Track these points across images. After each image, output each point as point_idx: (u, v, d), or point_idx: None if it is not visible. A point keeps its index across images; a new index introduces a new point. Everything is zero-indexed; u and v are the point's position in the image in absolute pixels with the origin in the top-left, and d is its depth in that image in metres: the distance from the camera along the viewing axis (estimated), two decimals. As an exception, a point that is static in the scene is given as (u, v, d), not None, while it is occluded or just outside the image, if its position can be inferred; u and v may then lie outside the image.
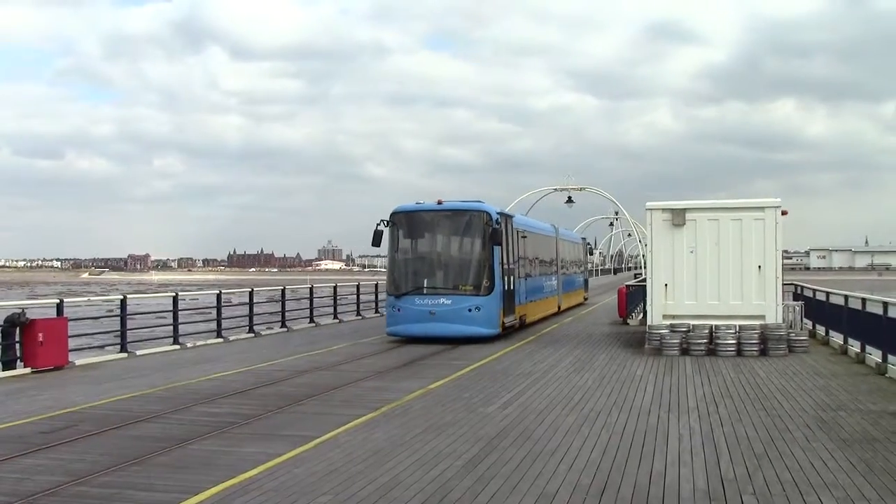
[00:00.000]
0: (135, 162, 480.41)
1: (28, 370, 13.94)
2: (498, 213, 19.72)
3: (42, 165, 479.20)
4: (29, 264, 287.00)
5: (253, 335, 20.97)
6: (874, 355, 13.80)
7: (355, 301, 28.15)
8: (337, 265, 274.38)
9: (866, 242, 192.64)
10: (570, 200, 62.46)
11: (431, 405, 10.66)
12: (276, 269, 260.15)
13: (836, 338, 17.05)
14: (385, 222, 19.34)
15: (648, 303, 17.26)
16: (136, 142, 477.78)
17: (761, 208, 16.58)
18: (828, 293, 18.99)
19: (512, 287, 20.45)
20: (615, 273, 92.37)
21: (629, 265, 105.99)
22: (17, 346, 14.16)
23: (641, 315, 22.21)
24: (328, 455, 7.94)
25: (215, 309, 20.49)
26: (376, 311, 28.13)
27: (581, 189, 64.13)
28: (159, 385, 12.55)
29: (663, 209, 17.02)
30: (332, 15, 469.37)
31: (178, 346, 18.04)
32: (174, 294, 19.38)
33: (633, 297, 24.46)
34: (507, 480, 7.00)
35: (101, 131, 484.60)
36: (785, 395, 11.18)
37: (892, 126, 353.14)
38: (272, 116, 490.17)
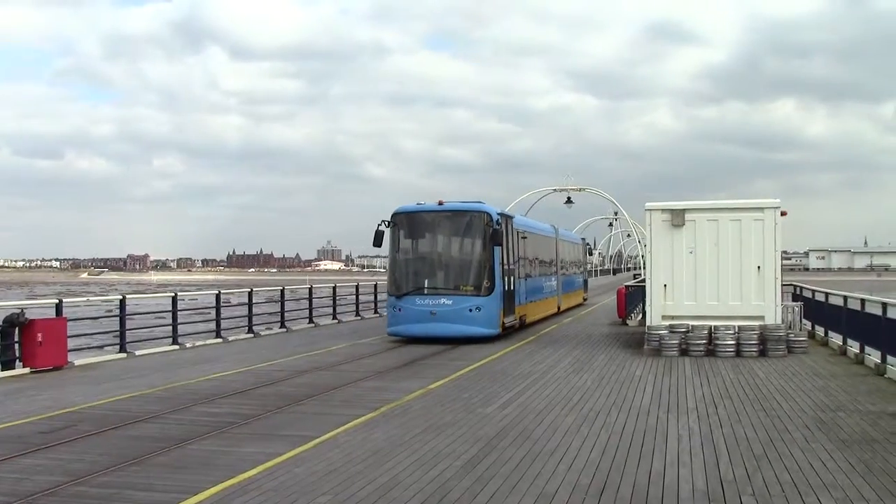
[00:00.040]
0: (134, 162, 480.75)
1: (27, 370, 13.93)
2: (498, 214, 19.81)
3: (41, 165, 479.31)
4: (28, 264, 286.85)
5: (252, 335, 20.97)
6: (873, 356, 13.81)
7: (354, 301, 28.15)
8: (336, 265, 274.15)
9: (865, 243, 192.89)
10: (569, 201, 62.49)
11: (431, 405, 10.66)
12: (275, 270, 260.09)
13: (836, 338, 17.07)
14: (386, 223, 19.42)
15: (647, 303, 17.27)
16: (135, 142, 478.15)
17: (760, 209, 16.59)
18: (827, 294, 19.02)
19: (512, 287, 20.51)
20: (614, 273, 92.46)
21: (628, 266, 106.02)
22: (17, 346, 14.15)
23: (641, 316, 22.23)
24: (327, 455, 7.95)
25: (214, 309, 20.49)
26: (375, 312, 28.14)
27: (580, 189, 64.13)
28: (158, 385, 12.55)
29: (662, 210, 17.03)
30: (332, 15, 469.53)
31: (177, 347, 18.04)
32: (173, 294, 19.38)
33: (633, 298, 24.47)
34: (506, 480, 7.00)
35: (101, 131, 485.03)
36: (784, 396, 11.18)
37: (892, 126, 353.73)
38: (272, 116, 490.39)
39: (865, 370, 13.65)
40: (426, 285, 19.08)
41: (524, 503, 6.40)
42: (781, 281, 17.20)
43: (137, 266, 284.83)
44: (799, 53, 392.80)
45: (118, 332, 17.31)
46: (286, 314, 24.04)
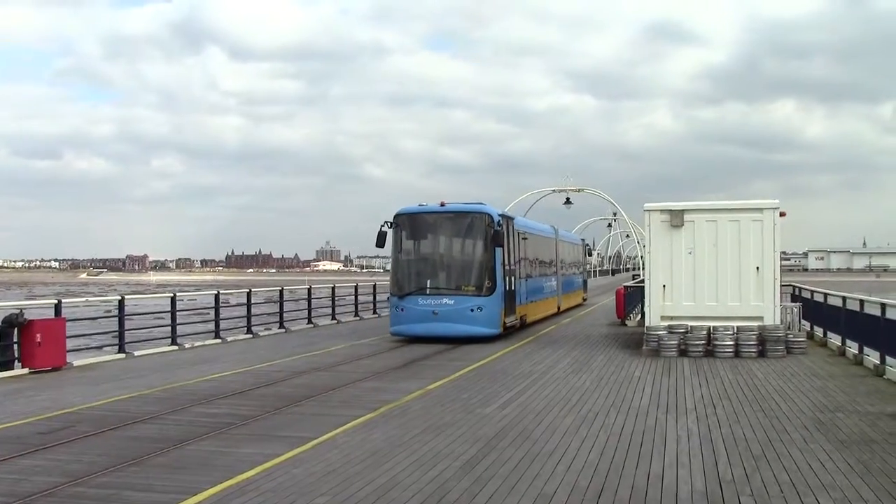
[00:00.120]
0: (133, 162, 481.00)
1: (26, 371, 13.92)
2: (500, 215, 19.97)
3: (41, 166, 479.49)
4: (27, 265, 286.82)
5: (251, 336, 20.96)
6: (872, 357, 13.81)
7: (353, 302, 28.14)
8: (335, 266, 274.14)
9: (864, 244, 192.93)
10: (568, 202, 62.48)
11: (430, 406, 10.66)
12: (274, 270, 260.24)
13: (835, 339, 17.07)
14: (389, 224, 19.52)
15: (646, 304, 17.28)
16: (134, 142, 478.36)
17: (759, 209, 16.60)
18: (826, 294, 19.02)
19: (513, 288, 20.62)
20: (613, 274, 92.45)
21: (627, 266, 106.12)
22: (15, 346, 14.14)
23: (640, 316, 22.23)
24: (326, 456, 7.94)
25: (213, 310, 20.49)
26: (374, 313, 28.14)
27: (579, 190, 64.10)
28: (157, 386, 12.54)
29: (661, 210, 17.03)
30: (332, 15, 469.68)
31: (175, 347, 18.03)
32: (172, 295, 19.37)
33: (632, 299, 24.47)
34: (505, 481, 7.00)
35: (100, 132, 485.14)
36: (783, 397, 11.19)
37: (891, 127, 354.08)
38: (271, 117, 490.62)
39: (864, 371, 13.65)
40: (428, 285, 19.21)
41: (523, 504, 6.41)
42: (780, 281, 17.21)
43: (136, 266, 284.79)
44: (798, 54, 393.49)
45: (117, 333, 17.30)
46: (285, 315, 24.03)
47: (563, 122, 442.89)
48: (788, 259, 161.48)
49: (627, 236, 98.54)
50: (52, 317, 15.11)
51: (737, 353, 15.50)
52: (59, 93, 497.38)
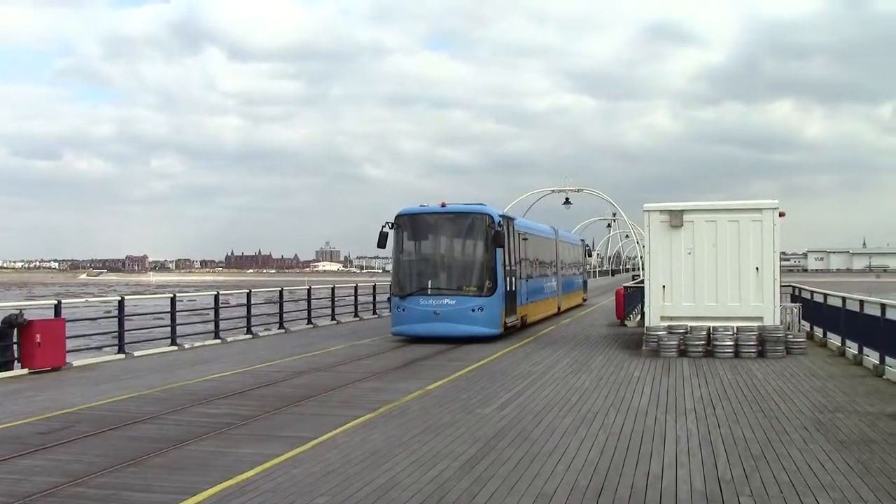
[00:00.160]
0: (133, 163, 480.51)
1: (25, 371, 13.92)
2: (500, 216, 20.04)
3: (40, 166, 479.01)
4: (27, 265, 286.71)
5: (251, 336, 20.97)
6: (872, 357, 13.82)
7: (353, 303, 28.15)
8: (335, 266, 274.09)
9: (864, 244, 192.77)
10: (567, 202, 62.54)
11: (429, 406, 10.67)
12: (273, 271, 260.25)
13: (834, 339, 17.07)
14: (390, 224, 19.56)
15: (646, 304, 17.28)
16: (134, 142, 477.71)
17: (759, 210, 16.60)
18: (825, 295, 19.02)
19: (514, 288, 20.68)
20: (613, 275, 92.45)
21: (627, 267, 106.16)
22: (15, 346, 14.15)
23: (639, 316, 22.24)
24: (326, 456, 7.94)
25: (213, 310, 20.50)
26: (374, 313, 28.14)
27: (579, 190, 64.17)
28: (157, 386, 12.54)
29: (661, 210, 17.04)
30: (332, 15, 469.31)
31: (175, 347, 18.03)
32: (172, 295, 19.38)
33: (631, 299, 24.49)
34: (504, 481, 7.00)
35: (100, 132, 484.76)
36: (782, 397, 11.19)
37: (890, 127, 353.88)
38: (271, 117, 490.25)
39: (864, 371, 13.65)
40: (430, 286, 19.28)
41: (522, 504, 6.41)
42: (780, 282, 17.22)
43: (136, 267, 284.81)
44: (797, 54, 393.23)
45: (117, 333, 17.30)
46: (285, 315, 24.04)
47: (562, 122, 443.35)
48: (788, 259, 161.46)
49: (627, 237, 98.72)
50: (52, 317, 15.11)
51: (736, 354, 15.50)
52: (58, 93, 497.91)
